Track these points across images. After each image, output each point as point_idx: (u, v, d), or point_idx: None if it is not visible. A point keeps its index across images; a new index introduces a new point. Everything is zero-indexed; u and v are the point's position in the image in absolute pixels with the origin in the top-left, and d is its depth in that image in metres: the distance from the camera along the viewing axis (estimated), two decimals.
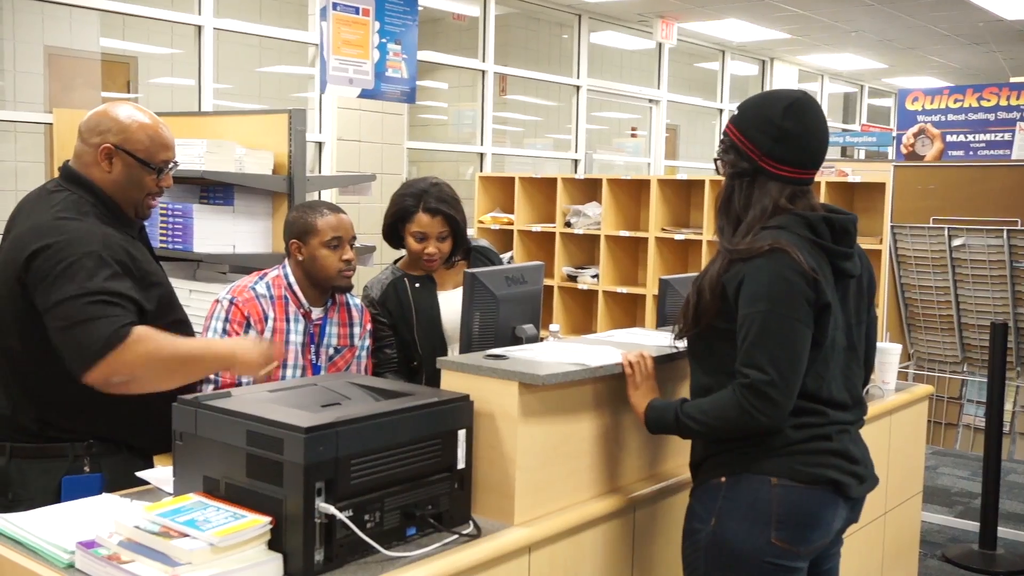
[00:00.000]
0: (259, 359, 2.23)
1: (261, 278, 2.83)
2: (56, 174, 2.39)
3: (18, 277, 2.15)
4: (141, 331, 2.11)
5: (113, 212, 2.31)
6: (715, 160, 2.16)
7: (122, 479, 2.22)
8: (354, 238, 2.86)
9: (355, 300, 2.98)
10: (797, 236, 2.02)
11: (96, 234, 2.19)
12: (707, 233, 6.01)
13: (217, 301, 2.78)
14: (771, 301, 1.95)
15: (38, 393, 2.23)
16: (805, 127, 2.06)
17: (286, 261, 2.86)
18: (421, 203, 2.94)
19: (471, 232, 6.72)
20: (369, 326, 3.00)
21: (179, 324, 2.39)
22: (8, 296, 2.19)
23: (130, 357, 2.07)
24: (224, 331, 2.72)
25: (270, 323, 2.76)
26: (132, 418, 2.27)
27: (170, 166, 2.39)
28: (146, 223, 3.55)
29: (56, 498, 2.20)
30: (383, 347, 3.01)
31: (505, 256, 5.69)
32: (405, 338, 3.00)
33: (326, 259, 2.76)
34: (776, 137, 2.04)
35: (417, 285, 3.01)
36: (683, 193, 6.40)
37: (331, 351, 2.88)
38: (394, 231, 3.03)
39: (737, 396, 1.96)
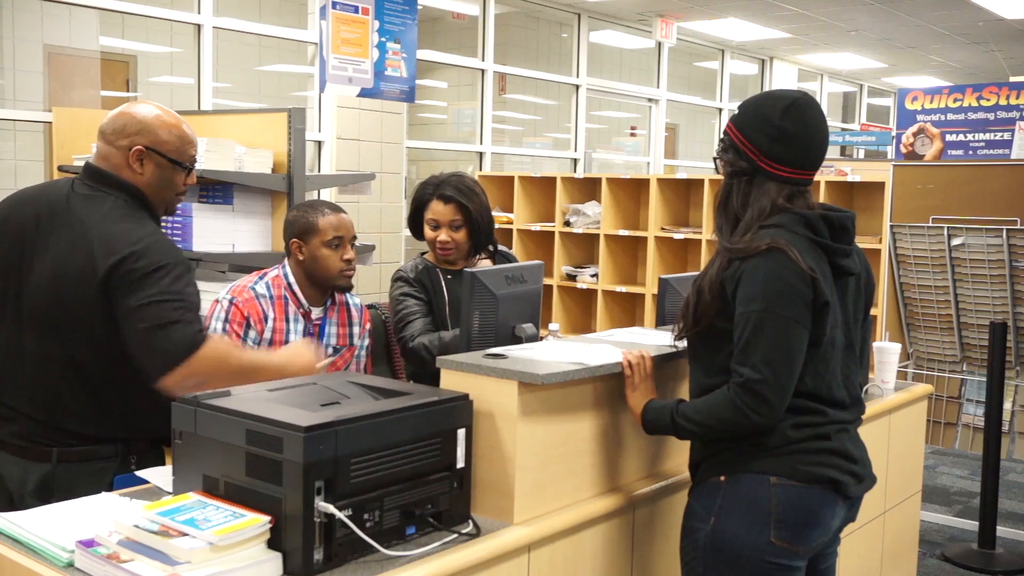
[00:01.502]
0: (311, 366, 2.35)
1: (261, 278, 2.83)
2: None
3: (102, 287, 2.16)
4: (215, 339, 2.22)
5: (152, 214, 2.35)
6: (714, 159, 2.17)
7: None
8: (355, 238, 2.86)
9: (355, 300, 2.98)
10: (795, 235, 2.02)
11: (167, 240, 2.28)
12: (706, 232, 6.01)
13: (217, 301, 2.78)
14: (767, 300, 1.95)
15: (77, 397, 2.23)
16: (804, 127, 2.06)
17: (285, 260, 2.86)
18: (436, 191, 2.97)
19: None
20: (368, 325, 3.00)
21: None
22: (75, 305, 2.19)
23: (204, 364, 2.15)
24: (224, 331, 2.72)
25: (270, 323, 2.76)
26: (155, 413, 2.28)
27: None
28: None
29: None
30: (417, 318, 2.93)
31: None
32: (435, 324, 2.99)
33: (327, 259, 2.76)
34: (775, 137, 2.04)
35: (449, 277, 3.02)
36: (682, 192, 6.40)
37: (330, 351, 2.88)
38: (416, 221, 3.06)
39: (731, 395, 1.96)
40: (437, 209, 2.97)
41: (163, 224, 3.54)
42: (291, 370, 2.31)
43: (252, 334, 2.74)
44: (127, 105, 2.38)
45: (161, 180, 2.33)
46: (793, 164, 2.06)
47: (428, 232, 3.01)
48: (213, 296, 2.86)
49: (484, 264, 3.07)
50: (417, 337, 2.90)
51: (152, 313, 2.13)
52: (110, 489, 2.22)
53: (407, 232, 5.65)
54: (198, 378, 2.14)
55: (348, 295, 2.95)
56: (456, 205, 2.95)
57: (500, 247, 3.20)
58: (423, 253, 3.14)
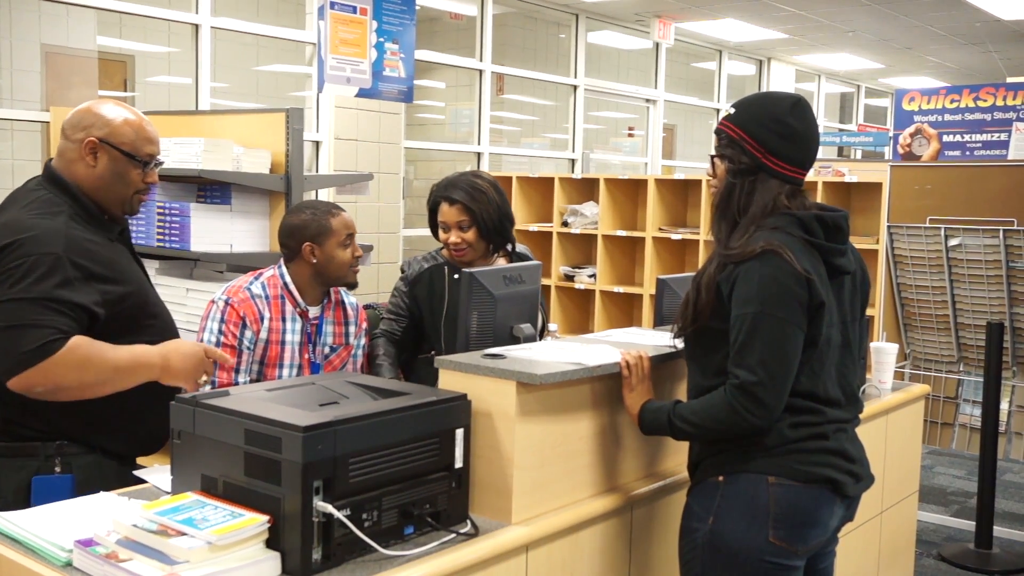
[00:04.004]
0: (191, 370, 2.25)
1: (256, 278, 2.83)
2: None
3: None
4: (76, 342, 2.11)
5: (91, 213, 2.30)
6: (711, 156, 2.16)
7: (94, 481, 2.20)
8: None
9: (351, 299, 2.98)
10: (790, 236, 2.02)
11: (60, 234, 2.17)
12: (704, 233, 6.01)
13: (212, 302, 2.78)
14: (762, 303, 1.95)
15: (2, 391, 2.18)
16: (808, 127, 2.09)
17: (281, 261, 2.86)
18: (443, 193, 3.00)
19: None
20: (365, 324, 3.01)
21: (153, 321, 2.37)
22: None
23: (57, 370, 2.08)
24: (220, 331, 2.72)
25: (266, 323, 2.76)
26: (102, 421, 2.26)
27: (156, 161, 2.38)
28: (143, 222, 3.59)
29: (26, 497, 2.19)
30: (391, 320, 3.06)
31: None
32: (428, 326, 3.03)
33: (342, 258, 2.79)
34: (783, 134, 2.05)
35: (455, 276, 3.00)
36: (680, 193, 6.41)
37: (327, 350, 2.88)
38: (433, 223, 3.09)
39: (727, 397, 1.97)
40: (444, 211, 2.99)
41: (162, 224, 3.56)
42: (174, 360, 2.23)
43: (248, 334, 2.74)
44: (90, 101, 2.36)
45: (114, 174, 2.30)
46: (794, 162, 2.08)
47: (441, 234, 3.03)
48: (209, 296, 2.86)
49: (500, 263, 3.07)
50: (379, 338, 3.06)
51: (7, 312, 2.07)
52: (28, 488, 2.20)
53: (405, 232, 5.67)
54: (48, 384, 2.09)
55: (344, 294, 2.95)
56: (461, 206, 2.95)
57: (519, 247, 3.18)
58: (442, 248, 3.13)
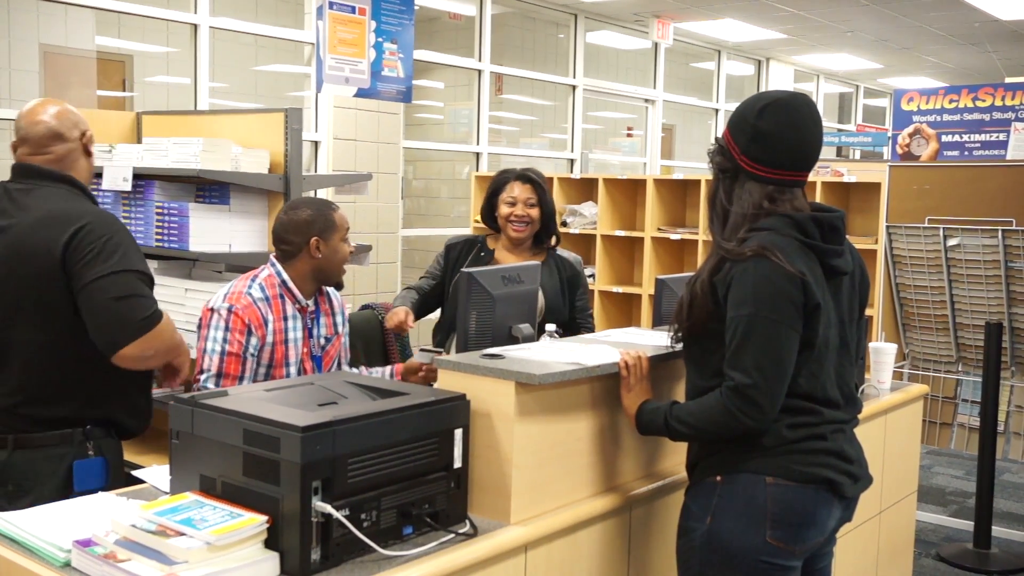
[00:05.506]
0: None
1: (253, 280, 2.78)
2: None
3: (61, 262, 2.22)
4: (166, 316, 2.31)
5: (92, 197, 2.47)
6: (709, 155, 2.19)
7: (118, 461, 2.39)
8: None
9: (327, 288, 3.00)
10: (785, 238, 2.02)
11: (111, 216, 2.37)
12: (703, 233, 6.01)
13: (212, 310, 2.72)
14: (756, 305, 1.95)
15: (40, 381, 2.28)
16: (781, 128, 2.04)
17: (273, 259, 2.82)
18: (516, 174, 3.35)
19: (469, 230, 6.72)
20: (346, 311, 3.06)
21: None
22: (22, 287, 2.24)
23: (160, 338, 2.26)
24: (225, 339, 2.67)
25: (270, 326, 2.73)
26: (113, 398, 2.37)
27: None
28: (142, 222, 3.60)
29: (67, 483, 2.28)
30: (424, 278, 3.41)
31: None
32: (448, 285, 3.31)
33: (344, 252, 2.84)
34: (751, 136, 2.05)
35: (483, 255, 3.32)
36: (679, 193, 6.41)
37: (322, 341, 2.88)
38: (490, 207, 3.37)
39: (723, 399, 1.97)
40: (517, 187, 3.31)
41: (160, 224, 3.56)
42: (184, 357, 2.45)
43: (253, 340, 2.69)
44: (49, 103, 2.49)
45: (92, 161, 2.52)
46: (772, 164, 2.05)
47: (505, 209, 3.31)
48: (207, 296, 2.84)
49: (539, 256, 3.35)
50: (406, 289, 3.44)
51: (115, 284, 2.21)
52: (69, 474, 2.29)
53: (404, 232, 5.84)
54: (155, 350, 2.25)
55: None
56: (533, 185, 3.32)
57: (566, 253, 3.49)
58: (488, 235, 3.42)
